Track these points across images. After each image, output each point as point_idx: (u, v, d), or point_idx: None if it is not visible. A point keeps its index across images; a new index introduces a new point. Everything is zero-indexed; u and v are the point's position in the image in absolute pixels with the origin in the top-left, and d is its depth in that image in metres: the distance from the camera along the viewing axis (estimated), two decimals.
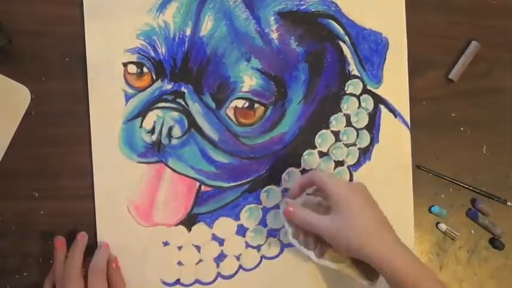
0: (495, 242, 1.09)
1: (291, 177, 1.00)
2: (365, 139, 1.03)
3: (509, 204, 1.09)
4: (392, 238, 0.86)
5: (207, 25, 0.96)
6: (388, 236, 0.86)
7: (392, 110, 1.04)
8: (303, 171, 1.01)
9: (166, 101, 0.95)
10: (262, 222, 1.00)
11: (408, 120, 1.04)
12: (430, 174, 1.07)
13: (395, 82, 1.04)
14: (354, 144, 1.03)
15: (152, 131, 0.95)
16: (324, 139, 1.01)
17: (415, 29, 1.06)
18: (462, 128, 1.09)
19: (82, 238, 0.93)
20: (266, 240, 1.00)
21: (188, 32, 0.96)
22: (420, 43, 1.07)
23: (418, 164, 1.06)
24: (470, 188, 1.08)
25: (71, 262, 0.89)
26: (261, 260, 1.00)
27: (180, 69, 0.95)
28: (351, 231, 0.84)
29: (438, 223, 1.07)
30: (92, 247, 0.94)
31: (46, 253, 0.94)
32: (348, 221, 0.85)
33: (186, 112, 0.95)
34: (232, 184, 0.98)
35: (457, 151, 1.09)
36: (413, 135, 1.05)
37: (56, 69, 0.94)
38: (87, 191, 0.95)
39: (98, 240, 0.95)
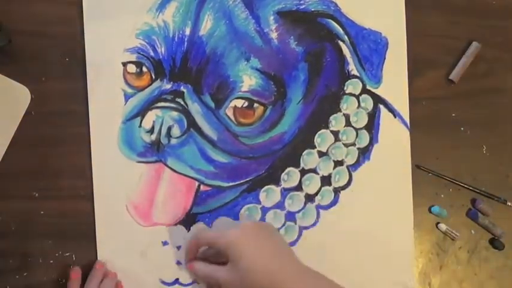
0: (495, 243, 1.08)
1: (290, 177, 1.00)
2: (364, 139, 1.03)
3: (509, 204, 1.09)
4: (297, 269, 0.86)
5: (206, 25, 0.96)
6: (293, 268, 0.85)
7: (391, 110, 1.03)
8: (302, 171, 1.01)
9: (165, 100, 0.95)
10: None
11: (407, 120, 1.04)
12: (430, 174, 1.06)
13: (395, 82, 1.04)
14: (354, 144, 1.02)
15: (151, 131, 0.95)
16: (323, 139, 1.01)
17: (415, 29, 1.06)
18: (462, 128, 1.08)
19: (100, 268, 0.93)
20: None
21: (187, 31, 0.96)
22: (420, 43, 1.07)
23: (418, 164, 1.05)
24: (470, 188, 1.08)
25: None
26: None
27: (180, 68, 0.95)
28: (252, 277, 0.82)
29: (438, 223, 1.07)
30: (91, 247, 0.95)
31: (46, 253, 0.94)
32: (244, 268, 0.83)
33: (185, 112, 0.95)
34: (231, 184, 0.98)
35: (457, 151, 1.08)
36: (414, 135, 1.05)
37: (56, 69, 0.94)
38: (87, 191, 0.95)
39: (97, 240, 0.95)
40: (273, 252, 0.86)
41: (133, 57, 0.95)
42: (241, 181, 0.99)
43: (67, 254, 0.95)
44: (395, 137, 1.04)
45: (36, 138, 0.94)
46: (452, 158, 1.08)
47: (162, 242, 0.97)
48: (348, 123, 1.02)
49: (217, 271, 0.87)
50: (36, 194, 0.94)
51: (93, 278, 0.92)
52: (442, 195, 1.07)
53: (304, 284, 0.83)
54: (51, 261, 0.94)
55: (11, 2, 0.93)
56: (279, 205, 1.00)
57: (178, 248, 0.97)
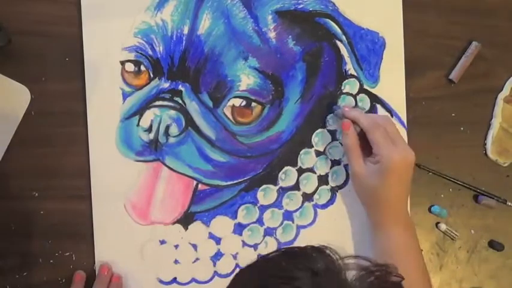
0: (494, 244, 1.08)
1: (288, 176, 1.00)
2: None
3: (509, 204, 1.09)
4: (403, 202, 0.97)
5: (204, 24, 0.96)
6: (403, 199, 0.97)
7: (388, 110, 1.03)
8: (300, 170, 1.01)
9: (163, 99, 0.95)
10: (259, 221, 1.00)
11: (405, 120, 1.04)
12: (430, 174, 1.06)
13: (392, 82, 1.04)
14: None
15: (149, 130, 0.95)
16: (320, 138, 1.01)
17: (415, 29, 1.06)
18: (462, 128, 1.08)
19: (106, 272, 0.94)
20: (263, 239, 1.00)
21: (186, 30, 0.96)
22: (420, 43, 1.07)
23: (418, 163, 1.05)
24: (471, 187, 1.08)
25: None
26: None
27: (178, 67, 0.95)
28: (383, 194, 0.94)
29: (438, 223, 1.07)
30: (91, 246, 0.95)
31: (46, 253, 0.94)
32: (386, 185, 0.93)
33: (183, 111, 0.95)
34: (229, 183, 0.98)
35: (457, 151, 1.08)
36: (414, 135, 1.05)
37: (56, 69, 0.94)
38: (87, 191, 0.95)
39: (95, 239, 0.95)
40: (406, 193, 0.98)
41: (131, 56, 0.94)
42: (239, 180, 0.99)
43: (67, 254, 0.95)
44: None
45: (36, 138, 0.94)
46: (452, 158, 1.08)
47: (159, 240, 0.97)
48: None
49: (359, 160, 0.96)
50: (36, 194, 0.94)
51: (99, 284, 0.93)
52: (442, 195, 1.07)
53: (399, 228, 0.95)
54: (51, 261, 0.94)
55: (11, 2, 0.93)
56: (277, 204, 1.00)
57: (176, 247, 0.97)
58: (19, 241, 0.94)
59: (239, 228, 0.99)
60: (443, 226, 1.06)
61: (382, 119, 0.98)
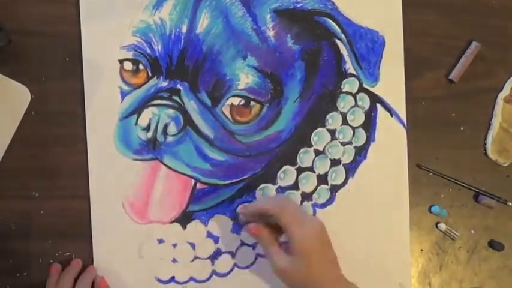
0: (494, 244, 1.08)
1: (287, 175, 1.00)
2: (361, 138, 1.02)
3: (510, 204, 1.08)
4: (336, 277, 0.90)
5: (203, 22, 0.96)
6: (335, 274, 0.90)
7: (388, 109, 1.03)
8: (299, 169, 1.01)
9: (162, 98, 0.95)
10: None
11: (404, 119, 1.04)
12: (430, 174, 1.06)
13: (392, 81, 1.04)
14: (350, 143, 1.02)
15: (148, 128, 0.95)
16: (320, 137, 1.01)
17: (415, 29, 1.06)
18: (462, 128, 1.08)
19: (76, 265, 0.94)
20: None
21: (184, 29, 0.96)
22: (420, 43, 1.07)
23: (418, 163, 1.05)
24: (471, 187, 1.07)
25: (62, 284, 0.92)
26: (256, 258, 1.00)
27: (176, 66, 0.95)
28: (307, 279, 0.86)
29: (438, 223, 1.06)
30: (91, 246, 0.95)
31: (46, 253, 0.95)
32: (305, 269, 0.86)
33: (181, 109, 0.95)
34: (227, 182, 0.98)
35: (457, 151, 1.08)
36: (414, 135, 1.05)
37: (55, 69, 0.95)
38: (87, 191, 0.95)
39: (93, 237, 0.95)
40: (328, 259, 0.90)
41: (130, 55, 0.95)
42: (238, 179, 0.99)
43: (67, 254, 0.95)
44: (392, 136, 1.04)
45: (36, 138, 0.94)
46: (452, 158, 1.08)
47: (158, 239, 0.97)
48: (345, 121, 1.02)
49: (279, 257, 0.89)
50: (36, 194, 0.94)
51: (68, 273, 0.93)
52: (442, 195, 1.07)
53: None
54: (51, 261, 0.95)
55: (11, 2, 0.94)
56: None
57: (174, 245, 0.97)
58: (19, 241, 0.94)
59: (237, 227, 0.99)
60: (443, 226, 1.06)
61: (283, 200, 0.95)
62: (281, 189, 1.00)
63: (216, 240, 0.99)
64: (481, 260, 1.08)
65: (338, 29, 1.01)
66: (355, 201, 1.02)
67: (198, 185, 0.97)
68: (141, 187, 0.96)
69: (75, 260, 0.94)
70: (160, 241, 0.97)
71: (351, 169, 1.02)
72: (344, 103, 1.02)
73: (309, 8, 1.00)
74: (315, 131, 1.01)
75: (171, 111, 0.95)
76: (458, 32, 1.09)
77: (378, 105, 1.03)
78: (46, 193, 0.95)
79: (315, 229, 0.88)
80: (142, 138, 0.95)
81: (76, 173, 0.95)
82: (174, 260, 0.97)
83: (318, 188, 1.01)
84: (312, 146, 1.01)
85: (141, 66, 0.95)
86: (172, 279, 0.97)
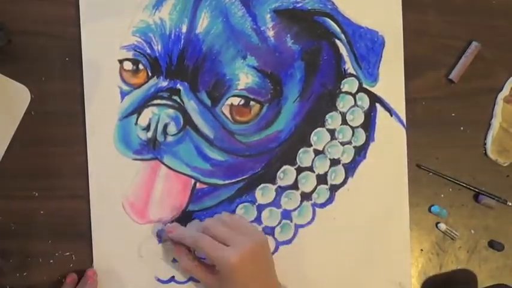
0: (494, 244, 1.08)
1: (286, 175, 1.00)
2: (360, 137, 1.02)
3: (510, 204, 1.08)
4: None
5: (203, 22, 0.96)
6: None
7: (388, 109, 1.03)
8: (298, 169, 1.01)
9: (161, 98, 0.95)
10: (257, 220, 1.00)
11: (404, 119, 1.04)
12: (430, 174, 1.06)
13: (392, 81, 1.04)
14: (350, 143, 1.02)
15: (147, 128, 0.95)
16: (319, 137, 1.01)
17: (415, 28, 1.06)
18: (462, 128, 1.08)
19: (92, 276, 0.94)
20: None
21: (184, 29, 0.96)
22: (420, 43, 1.07)
23: (418, 163, 1.05)
24: (471, 187, 1.07)
25: None
26: None
27: (176, 66, 0.95)
28: None
29: (438, 223, 1.06)
30: (90, 246, 0.95)
31: (46, 253, 0.94)
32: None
33: (181, 109, 0.95)
34: (227, 182, 0.98)
35: (457, 151, 1.08)
36: (414, 135, 1.05)
37: (56, 69, 0.94)
38: (87, 191, 0.95)
39: (93, 237, 0.95)
40: (262, 277, 0.89)
41: (129, 55, 0.95)
42: (237, 179, 0.99)
43: (67, 254, 0.95)
44: (391, 136, 1.04)
45: (36, 138, 0.94)
46: (452, 158, 1.08)
47: (157, 239, 0.97)
48: (344, 121, 1.02)
49: (206, 277, 0.91)
50: (36, 194, 0.94)
51: (85, 285, 0.93)
52: (442, 195, 1.07)
53: None
54: (51, 261, 0.94)
55: (11, 2, 0.93)
56: (275, 203, 1.00)
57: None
58: (19, 241, 0.94)
59: None
60: (443, 226, 1.06)
61: (207, 223, 0.93)
62: (281, 189, 1.00)
63: None
64: (481, 260, 1.08)
65: (338, 29, 1.01)
66: (355, 201, 1.02)
67: (198, 185, 0.97)
68: (141, 187, 0.96)
69: (91, 270, 0.94)
70: (160, 241, 0.97)
71: (350, 169, 1.02)
72: (344, 103, 1.02)
73: (309, 7, 1.00)
74: (315, 130, 1.01)
75: (170, 111, 0.95)
76: (458, 32, 1.09)
77: (378, 105, 1.03)
78: (46, 193, 0.95)
79: (241, 251, 0.86)
80: (142, 138, 0.95)
81: (76, 173, 0.95)
82: (174, 260, 0.97)
83: (318, 187, 1.01)
84: (311, 145, 1.01)
85: (140, 66, 0.95)
86: (172, 279, 0.97)
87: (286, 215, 1.00)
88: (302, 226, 1.01)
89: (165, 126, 0.95)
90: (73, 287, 0.93)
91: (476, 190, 1.08)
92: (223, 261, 0.85)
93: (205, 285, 0.93)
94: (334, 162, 1.02)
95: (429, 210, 1.06)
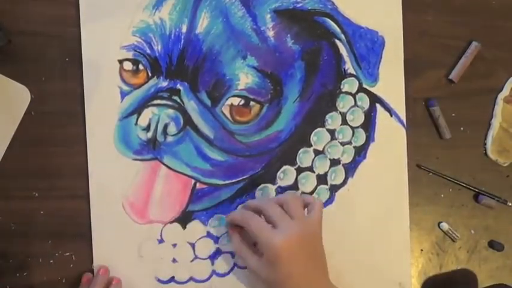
0: (494, 244, 1.08)
1: (286, 175, 1.01)
2: (360, 138, 1.03)
3: (510, 204, 1.08)
4: (325, 283, 0.90)
5: (203, 22, 0.96)
6: (312, 280, 0.89)
7: (388, 109, 1.03)
8: (298, 169, 1.01)
9: (161, 98, 0.95)
10: None
11: (404, 119, 1.04)
12: (430, 174, 1.06)
13: (391, 81, 1.04)
14: (350, 143, 1.02)
15: (147, 128, 0.95)
16: (319, 137, 1.01)
17: (415, 28, 1.06)
18: (462, 128, 1.08)
19: (104, 273, 0.94)
20: None
21: (184, 29, 0.96)
22: (420, 43, 1.07)
23: (418, 163, 1.05)
24: (471, 187, 1.07)
25: None
26: None
27: (176, 66, 0.95)
28: (279, 283, 0.87)
29: (440, 222, 1.06)
30: (91, 246, 0.95)
31: (46, 253, 0.94)
32: (276, 274, 0.86)
33: (181, 109, 0.95)
34: (227, 182, 0.98)
35: (457, 151, 1.08)
36: (414, 135, 1.05)
37: (56, 69, 0.94)
38: (87, 191, 0.95)
39: (93, 237, 0.95)
40: (307, 267, 0.88)
41: (129, 55, 0.95)
42: (237, 179, 0.99)
43: (67, 254, 0.95)
44: (391, 136, 1.04)
45: (36, 138, 0.94)
46: (452, 158, 1.08)
47: (157, 239, 0.96)
48: (344, 121, 1.02)
49: (250, 259, 0.90)
50: (36, 194, 0.94)
51: (96, 285, 0.92)
52: (442, 195, 1.07)
53: None
54: (51, 261, 0.94)
55: (11, 2, 0.93)
56: None
57: (174, 245, 0.97)
58: (19, 241, 0.94)
59: None
60: (445, 226, 1.06)
61: (262, 202, 0.94)
62: (281, 189, 1.00)
63: (215, 240, 0.99)
64: (481, 260, 1.08)
65: (338, 29, 1.01)
66: (355, 201, 1.02)
67: (198, 185, 0.97)
68: (141, 187, 0.95)
69: (103, 268, 0.94)
70: (160, 241, 0.97)
71: (350, 169, 1.03)
72: (344, 103, 1.02)
73: (309, 8, 1.00)
74: (315, 131, 1.01)
75: (170, 111, 0.95)
76: (458, 32, 1.09)
77: (378, 105, 1.03)
78: (46, 193, 0.94)
79: (289, 236, 0.86)
80: (142, 138, 0.95)
81: (76, 173, 0.95)
82: (174, 260, 0.97)
83: (318, 188, 1.01)
84: (311, 146, 1.01)
85: (140, 66, 0.95)
86: (172, 279, 0.97)
87: None
88: None
89: (165, 126, 0.95)
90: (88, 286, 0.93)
91: (476, 190, 1.08)
92: (267, 242, 0.86)
93: (249, 268, 0.92)
94: (334, 162, 1.02)
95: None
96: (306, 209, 0.93)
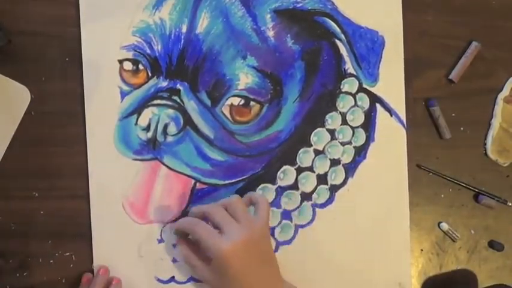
0: (494, 244, 1.08)
1: (286, 175, 1.00)
2: (361, 137, 1.03)
3: (510, 204, 1.08)
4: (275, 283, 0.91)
5: (203, 22, 0.96)
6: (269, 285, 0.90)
7: (388, 109, 1.03)
8: (298, 169, 1.01)
9: (161, 98, 0.95)
10: None
11: (404, 119, 1.04)
12: (430, 174, 1.06)
13: (391, 81, 1.04)
14: (350, 143, 1.02)
15: (147, 128, 0.95)
16: (319, 137, 1.01)
17: (415, 28, 1.06)
18: (462, 128, 1.08)
19: (104, 273, 0.94)
20: None
21: (184, 29, 0.96)
22: (420, 43, 1.07)
23: (418, 163, 1.05)
24: (470, 187, 1.07)
25: None
26: None
27: (176, 66, 0.95)
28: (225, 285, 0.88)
29: (440, 222, 1.06)
30: (91, 246, 0.95)
31: (46, 253, 0.94)
32: (226, 280, 0.87)
33: (181, 109, 0.95)
34: (227, 182, 0.98)
35: (457, 151, 1.08)
36: (414, 135, 1.05)
37: (56, 69, 0.94)
38: (87, 191, 0.95)
39: (93, 237, 0.95)
40: (257, 270, 0.88)
41: (129, 55, 0.95)
42: (237, 179, 0.99)
43: (67, 254, 0.95)
44: (391, 136, 1.04)
45: (36, 138, 0.94)
46: (452, 158, 1.08)
47: (157, 239, 0.96)
48: (344, 121, 1.02)
49: (202, 270, 0.90)
50: (36, 194, 0.94)
51: (96, 285, 0.92)
52: (442, 195, 1.07)
53: None
54: (51, 261, 0.94)
55: (11, 2, 0.93)
56: (275, 203, 1.00)
57: (174, 245, 0.97)
58: (19, 241, 0.94)
59: None
60: (445, 226, 1.06)
61: (207, 207, 0.92)
62: (281, 189, 1.00)
63: None
64: (481, 260, 1.08)
65: (338, 29, 1.01)
66: (355, 201, 1.02)
67: (198, 185, 0.97)
68: (141, 187, 0.95)
69: (103, 268, 0.94)
70: (160, 241, 0.97)
71: (350, 169, 1.02)
72: (344, 103, 1.02)
73: (309, 8, 1.00)
74: (315, 131, 1.01)
75: (170, 111, 0.95)
76: (458, 32, 1.09)
77: (378, 105, 1.03)
78: (46, 193, 0.94)
79: (233, 242, 0.85)
80: (142, 138, 0.95)
81: (76, 173, 0.95)
82: (174, 260, 0.97)
83: (318, 187, 1.01)
84: (311, 146, 1.01)
85: (140, 66, 0.95)
86: (172, 279, 0.97)
87: (286, 215, 1.00)
88: (302, 226, 1.01)
89: (165, 126, 0.95)
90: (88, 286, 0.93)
91: (476, 190, 1.08)
92: (214, 248, 0.85)
93: (199, 275, 0.92)
94: (334, 162, 1.02)
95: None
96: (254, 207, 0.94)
